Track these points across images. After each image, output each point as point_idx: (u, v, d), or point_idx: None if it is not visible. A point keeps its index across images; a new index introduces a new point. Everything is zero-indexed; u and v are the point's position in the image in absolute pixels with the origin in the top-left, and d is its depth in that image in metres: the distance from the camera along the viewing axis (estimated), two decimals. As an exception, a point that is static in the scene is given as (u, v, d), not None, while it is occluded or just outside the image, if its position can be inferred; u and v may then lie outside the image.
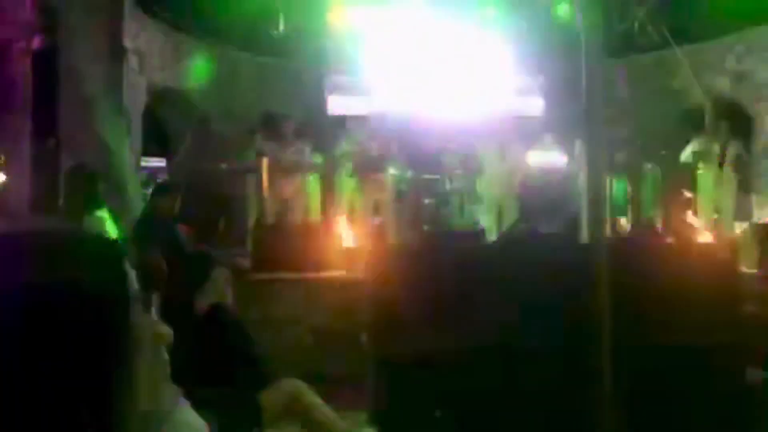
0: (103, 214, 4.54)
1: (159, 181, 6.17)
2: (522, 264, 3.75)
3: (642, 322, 3.27)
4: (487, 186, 8.56)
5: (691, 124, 8.53)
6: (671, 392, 3.40)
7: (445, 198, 9.05)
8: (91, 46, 7.76)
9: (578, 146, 8.62)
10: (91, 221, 4.41)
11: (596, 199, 2.47)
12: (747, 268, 5.58)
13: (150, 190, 5.45)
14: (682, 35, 8.99)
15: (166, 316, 2.95)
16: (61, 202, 4.64)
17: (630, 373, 2.75)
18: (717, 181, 7.95)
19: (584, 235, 7.59)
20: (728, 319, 3.53)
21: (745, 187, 8.09)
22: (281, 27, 10.03)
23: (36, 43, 6.91)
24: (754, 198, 8.21)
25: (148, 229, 4.77)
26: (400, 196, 8.97)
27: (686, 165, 8.25)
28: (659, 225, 8.36)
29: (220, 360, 2.76)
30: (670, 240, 6.89)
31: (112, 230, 4.52)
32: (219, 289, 2.78)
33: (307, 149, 8.66)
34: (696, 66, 9.14)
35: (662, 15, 9.06)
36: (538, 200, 8.89)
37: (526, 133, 9.10)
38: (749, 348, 3.67)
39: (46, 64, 7.35)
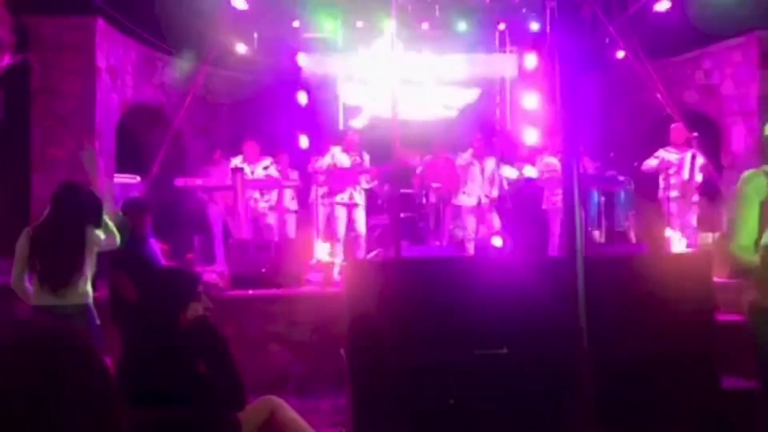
0: (107, 221, 4.61)
1: (130, 197, 6.11)
2: (496, 277, 3.78)
3: (618, 334, 3.30)
4: (466, 199, 8.60)
5: (662, 136, 8.67)
6: (648, 401, 3.43)
7: (422, 212, 9.07)
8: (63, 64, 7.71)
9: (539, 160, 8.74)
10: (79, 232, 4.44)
11: (571, 211, 2.49)
12: (718, 277, 5.66)
13: (120, 207, 5.41)
14: (652, 49, 9.16)
15: (141, 332, 2.92)
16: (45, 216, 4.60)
17: (607, 384, 2.76)
18: (685, 193, 8.08)
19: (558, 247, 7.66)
20: (702, 328, 3.58)
21: (713, 197, 8.22)
22: (255, 43, 10.07)
23: (6, 60, 6.82)
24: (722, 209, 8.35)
25: (121, 244, 4.74)
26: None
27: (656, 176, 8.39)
28: (632, 236, 8.46)
29: (198, 377, 2.73)
30: (644, 251, 6.96)
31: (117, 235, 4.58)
32: (204, 304, 2.77)
33: (278, 164, 8.66)
34: (665, 80, 9.31)
35: (632, 30, 9.23)
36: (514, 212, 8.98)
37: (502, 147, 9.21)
38: (722, 356, 3.72)
39: (18, 82, 7.28)
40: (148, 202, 5.57)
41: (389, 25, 7.94)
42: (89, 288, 4.53)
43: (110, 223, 4.65)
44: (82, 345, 0.98)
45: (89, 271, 4.51)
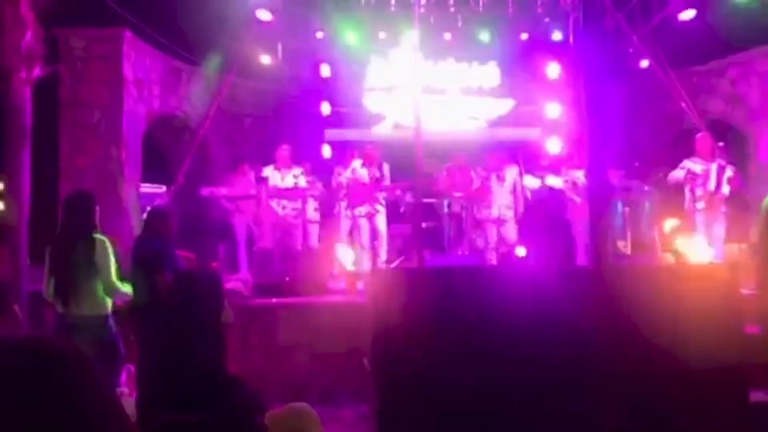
0: (102, 236, 4.55)
1: (154, 205, 6.16)
2: (521, 287, 3.76)
3: (645, 345, 3.27)
4: (486, 212, 8.57)
5: (687, 145, 8.59)
6: (676, 414, 3.39)
7: (443, 221, 9.07)
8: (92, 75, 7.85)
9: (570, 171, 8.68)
10: (89, 243, 4.43)
11: (596, 222, 2.49)
12: (746, 289, 5.59)
13: (145, 215, 5.44)
14: (676, 59, 9.10)
15: (163, 334, 2.94)
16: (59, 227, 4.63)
17: (633, 397, 2.74)
18: (712, 204, 7.98)
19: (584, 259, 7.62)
20: (731, 340, 3.53)
21: (741, 208, 8.12)
22: (279, 54, 10.17)
23: (37, 71, 6.96)
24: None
25: (146, 248, 4.76)
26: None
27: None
28: (659, 247, 8.38)
29: (226, 379, 2.75)
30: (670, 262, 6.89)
31: (111, 252, 4.53)
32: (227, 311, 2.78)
33: (306, 174, 8.71)
34: (690, 89, 9.24)
35: (656, 39, 9.18)
36: (538, 222, 8.93)
37: (524, 157, 9.17)
38: (751, 369, 3.67)
39: (47, 92, 7.42)
40: (171, 209, 5.59)
41: (412, 35, 7.98)
42: (105, 298, 4.52)
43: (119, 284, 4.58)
44: (72, 361, 0.98)
45: (100, 281, 4.47)
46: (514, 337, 3.56)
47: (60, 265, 4.43)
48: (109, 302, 4.56)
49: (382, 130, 10.26)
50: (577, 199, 7.95)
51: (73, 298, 4.39)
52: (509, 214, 8.49)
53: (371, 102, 10.67)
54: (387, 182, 8.46)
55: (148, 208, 5.57)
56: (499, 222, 8.53)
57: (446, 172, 8.83)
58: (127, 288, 4.59)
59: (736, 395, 3.58)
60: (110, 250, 4.50)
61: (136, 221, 7.78)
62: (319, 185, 9.08)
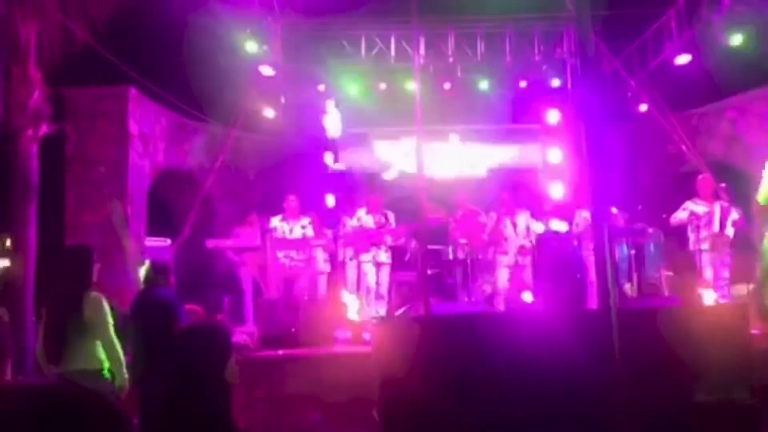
0: (97, 294, 4.42)
1: (152, 259, 6.03)
2: (529, 333, 3.74)
3: (656, 387, 3.24)
4: (503, 258, 8.54)
5: (688, 187, 8.62)
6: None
7: (448, 268, 9.05)
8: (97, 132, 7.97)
9: (578, 214, 8.70)
10: (88, 300, 4.34)
11: (603, 264, 2.49)
12: (755, 329, 5.54)
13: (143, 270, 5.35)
14: (675, 102, 9.21)
15: (166, 388, 2.89)
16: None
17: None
18: (717, 246, 7.97)
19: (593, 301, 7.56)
20: (742, 379, 3.50)
21: (746, 248, 8.10)
22: (281, 107, 10.33)
23: (43, 129, 7.08)
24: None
25: (152, 298, 4.75)
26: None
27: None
28: (665, 289, 8.33)
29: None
30: (677, 304, 6.84)
31: (108, 309, 4.43)
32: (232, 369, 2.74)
33: (313, 224, 8.74)
34: (689, 131, 9.33)
35: (654, 83, 9.31)
36: (543, 266, 8.91)
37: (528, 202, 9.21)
38: (763, 407, 3.62)
39: (53, 150, 7.52)
40: (166, 264, 5.50)
41: (412, 86, 8.12)
42: (100, 354, 4.40)
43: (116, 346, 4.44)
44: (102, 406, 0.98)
45: (95, 339, 4.30)
46: (522, 384, 3.52)
47: (52, 324, 4.33)
48: (104, 358, 4.40)
49: (388, 176, 10.37)
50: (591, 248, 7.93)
51: (65, 355, 4.25)
52: (527, 260, 8.49)
53: (378, 150, 10.81)
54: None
55: (147, 262, 5.49)
56: (516, 267, 8.50)
57: (453, 220, 8.84)
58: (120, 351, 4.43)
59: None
60: (107, 308, 4.39)
61: (139, 276, 7.78)
62: (329, 233, 9.10)
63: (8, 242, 6.95)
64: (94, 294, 4.34)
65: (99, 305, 4.33)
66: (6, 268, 7.17)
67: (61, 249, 7.68)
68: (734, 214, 7.92)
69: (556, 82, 10.89)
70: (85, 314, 4.26)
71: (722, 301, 7.56)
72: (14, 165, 6.63)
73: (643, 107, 9.94)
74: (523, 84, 11.01)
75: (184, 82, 9.07)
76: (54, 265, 4.53)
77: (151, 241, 8.85)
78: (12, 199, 6.62)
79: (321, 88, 10.53)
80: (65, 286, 4.35)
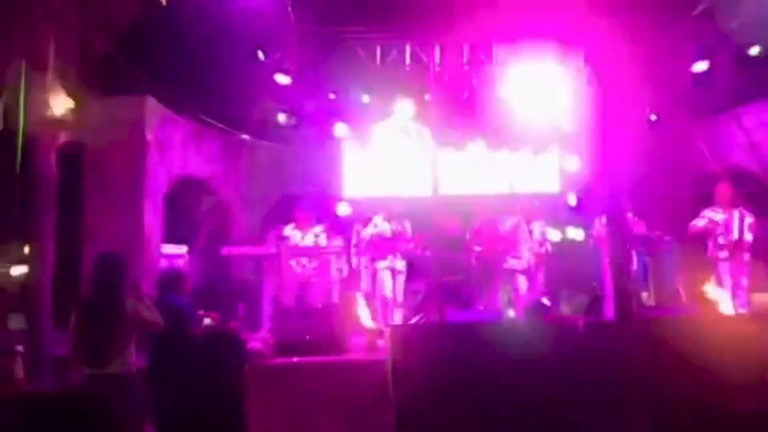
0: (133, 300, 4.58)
1: (166, 268, 6.09)
2: (543, 344, 3.71)
3: (673, 396, 3.21)
4: (516, 262, 8.52)
5: (706, 194, 8.54)
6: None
7: (463, 276, 9.02)
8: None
9: (597, 222, 8.65)
10: (128, 305, 4.45)
11: (619, 273, 2.47)
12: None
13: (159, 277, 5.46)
14: (692, 109, 9.15)
15: (182, 394, 2.90)
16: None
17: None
18: (735, 254, 7.88)
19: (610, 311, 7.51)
20: (761, 389, 3.46)
21: (764, 256, 8.02)
22: (295, 114, 10.35)
23: (61, 138, 7.14)
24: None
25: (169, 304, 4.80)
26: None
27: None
28: (683, 298, 8.25)
29: None
30: (695, 313, 6.78)
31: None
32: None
33: (326, 232, 8.75)
34: (707, 138, 9.26)
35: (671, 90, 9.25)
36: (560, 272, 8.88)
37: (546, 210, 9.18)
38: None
39: (72, 159, 7.59)
40: (181, 272, 5.62)
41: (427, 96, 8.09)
42: (131, 357, 4.52)
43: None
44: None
45: (131, 343, 4.47)
46: (538, 393, 3.49)
47: (85, 328, 4.45)
48: (131, 363, 4.54)
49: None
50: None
51: (105, 356, 4.40)
52: (542, 267, 8.50)
53: None
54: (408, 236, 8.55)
55: (162, 270, 5.59)
56: (530, 271, 8.47)
57: (471, 229, 8.81)
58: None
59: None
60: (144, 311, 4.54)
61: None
62: (340, 241, 9.10)
63: (26, 249, 7.00)
64: (131, 300, 4.49)
65: (137, 310, 4.46)
66: (24, 275, 7.23)
67: (80, 257, 7.77)
68: (748, 218, 7.88)
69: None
70: (124, 318, 4.39)
71: (741, 309, 7.48)
72: (33, 173, 6.69)
73: (653, 117, 9.90)
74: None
75: (200, 90, 9.13)
76: (92, 271, 4.60)
77: (168, 249, 8.90)
78: (31, 208, 6.68)
79: (332, 96, 10.51)
80: (105, 292, 4.46)
